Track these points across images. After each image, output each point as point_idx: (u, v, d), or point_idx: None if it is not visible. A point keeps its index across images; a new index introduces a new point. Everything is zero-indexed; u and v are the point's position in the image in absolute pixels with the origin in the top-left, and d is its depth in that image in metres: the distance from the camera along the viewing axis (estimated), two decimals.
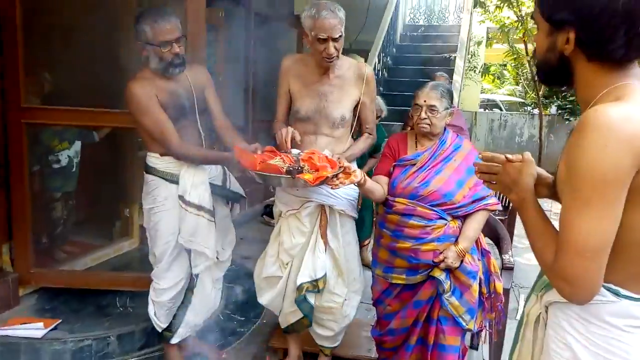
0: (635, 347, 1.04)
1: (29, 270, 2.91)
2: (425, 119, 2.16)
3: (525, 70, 10.74)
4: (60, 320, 2.70)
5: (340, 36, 2.11)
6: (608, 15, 0.96)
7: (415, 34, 8.71)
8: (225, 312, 3.15)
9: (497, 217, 2.73)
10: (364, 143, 2.37)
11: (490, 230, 2.67)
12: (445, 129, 2.26)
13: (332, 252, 2.34)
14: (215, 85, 2.47)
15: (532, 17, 1.14)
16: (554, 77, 1.14)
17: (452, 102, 2.19)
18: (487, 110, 11.92)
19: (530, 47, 6.99)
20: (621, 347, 1.04)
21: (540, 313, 1.18)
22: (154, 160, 2.29)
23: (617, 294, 1.03)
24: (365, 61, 6.39)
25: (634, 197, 0.96)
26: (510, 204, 4.10)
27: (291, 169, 1.92)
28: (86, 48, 3.38)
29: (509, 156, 1.18)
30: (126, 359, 2.65)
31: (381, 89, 7.07)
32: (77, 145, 3.61)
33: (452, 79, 6.36)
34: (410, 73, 7.15)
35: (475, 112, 9.55)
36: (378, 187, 2.22)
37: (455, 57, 7.02)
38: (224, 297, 3.24)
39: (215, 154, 2.31)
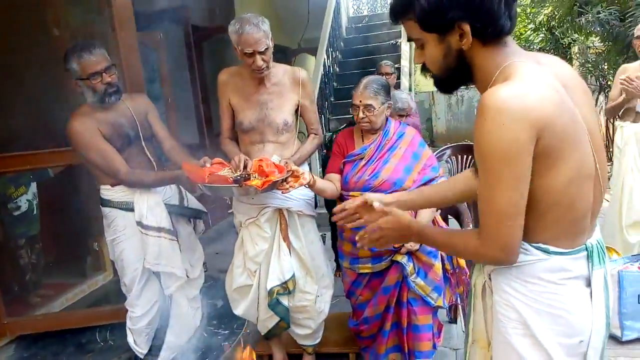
0: (569, 296, 1.12)
1: (2, 321, 2.88)
2: (363, 118, 2.23)
3: None
4: None
5: (266, 49, 2.13)
6: None
7: (360, 25, 8.77)
8: (209, 328, 3.17)
9: None
10: (311, 144, 2.41)
11: (449, 206, 2.76)
12: (387, 119, 2.33)
13: (297, 253, 2.39)
14: (165, 107, 2.49)
15: (409, 41, 1.16)
16: (456, 79, 1.17)
17: (389, 95, 2.26)
18: None
19: None
20: (557, 298, 1.12)
21: (485, 282, 1.25)
22: (107, 192, 2.31)
23: (546, 251, 1.11)
24: (315, 58, 6.43)
25: (540, 163, 1.03)
26: None
27: (238, 177, 1.97)
28: (30, 89, 3.34)
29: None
30: None
31: (335, 84, 7.14)
32: (33, 186, 3.57)
33: (400, 64, 6.46)
34: (360, 64, 7.23)
35: (432, 92, 9.72)
36: (329, 185, 2.28)
37: (400, 42, 7.12)
38: (205, 314, 3.26)
39: (164, 174, 2.33)
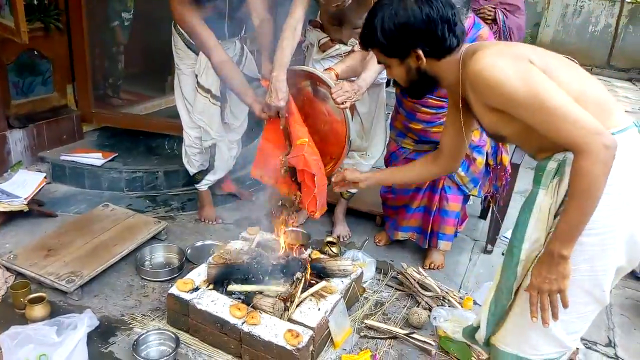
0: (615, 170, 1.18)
1: (90, 110, 3.29)
2: None
3: None
4: (116, 154, 3.13)
5: None
6: (430, 25, 1.29)
7: None
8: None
9: None
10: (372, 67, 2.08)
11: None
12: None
13: (359, 118, 2.52)
14: None
15: (379, 63, 1.48)
16: (422, 87, 1.45)
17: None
18: None
19: None
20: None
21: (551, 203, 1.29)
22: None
23: None
24: None
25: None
26: None
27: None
28: None
29: None
30: (171, 192, 3.09)
31: None
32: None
33: None
34: None
35: None
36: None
37: None
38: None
39: (241, 89, 2.25)
